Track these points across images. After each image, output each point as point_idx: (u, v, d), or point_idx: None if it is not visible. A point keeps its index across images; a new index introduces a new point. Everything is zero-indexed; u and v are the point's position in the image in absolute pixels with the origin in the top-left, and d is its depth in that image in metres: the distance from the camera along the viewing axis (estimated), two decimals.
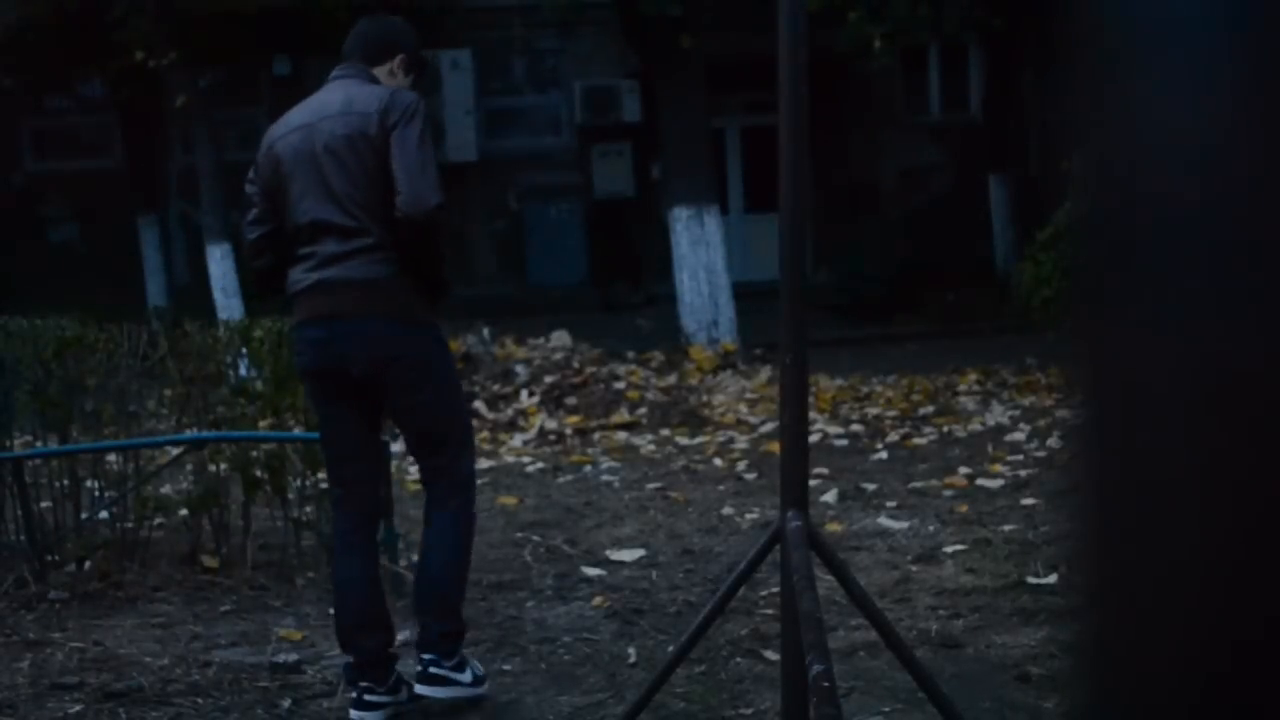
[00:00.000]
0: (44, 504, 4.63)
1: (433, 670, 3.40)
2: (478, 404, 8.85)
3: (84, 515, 4.62)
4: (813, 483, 4.88)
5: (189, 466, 4.81)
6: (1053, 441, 7.06)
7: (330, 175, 3.31)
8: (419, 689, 3.43)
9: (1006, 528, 5.12)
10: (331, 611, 4.18)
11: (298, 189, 3.35)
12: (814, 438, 6.95)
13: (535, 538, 5.34)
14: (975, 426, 7.86)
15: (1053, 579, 4.28)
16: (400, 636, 3.93)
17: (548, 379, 9.00)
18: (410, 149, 3.25)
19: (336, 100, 3.37)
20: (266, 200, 3.44)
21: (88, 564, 4.54)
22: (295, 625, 4.14)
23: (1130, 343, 0.54)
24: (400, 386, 3.37)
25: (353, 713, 3.39)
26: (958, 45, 17.60)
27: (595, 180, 17.53)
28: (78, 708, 3.42)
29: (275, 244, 3.45)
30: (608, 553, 4.99)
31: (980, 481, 6.10)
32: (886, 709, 3.27)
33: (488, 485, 6.72)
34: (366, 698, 3.38)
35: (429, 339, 3.41)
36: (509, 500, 6.17)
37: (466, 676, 3.46)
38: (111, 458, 4.68)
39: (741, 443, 7.75)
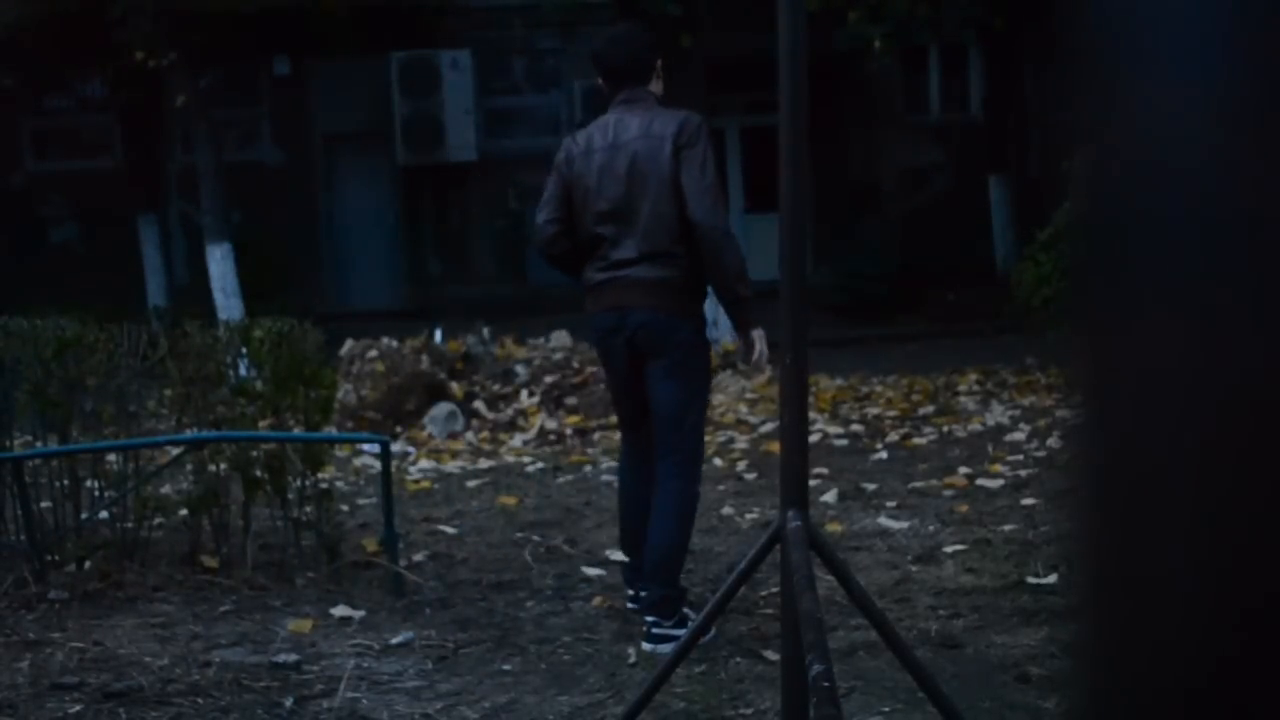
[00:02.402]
0: (44, 504, 4.62)
1: (654, 630, 3.85)
2: (477, 404, 8.85)
3: (84, 515, 4.62)
4: (813, 483, 4.88)
5: (189, 466, 4.80)
6: (1053, 441, 7.06)
7: (631, 190, 3.89)
8: (645, 647, 3.85)
9: (1006, 528, 5.12)
10: (333, 610, 4.23)
11: (598, 201, 3.94)
12: (814, 438, 6.95)
13: (535, 538, 5.34)
14: (975, 426, 7.86)
15: (1053, 579, 4.27)
16: (398, 638, 3.95)
17: (548, 379, 8.99)
18: (695, 172, 3.83)
19: (635, 123, 3.95)
20: (563, 205, 4.04)
21: (88, 564, 4.53)
22: (295, 627, 4.13)
23: (1129, 342, 0.54)
24: (659, 364, 3.95)
25: (644, 645, 3.86)
26: (958, 45, 17.60)
27: None
28: (78, 708, 3.41)
29: (568, 237, 4.06)
30: (608, 553, 4.98)
31: (980, 481, 6.09)
32: (886, 709, 3.27)
33: (488, 485, 6.73)
34: (653, 631, 3.88)
35: (691, 331, 3.97)
36: (509, 500, 6.17)
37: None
38: (111, 458, 4.68)
39: (741, 443, 7.75)
